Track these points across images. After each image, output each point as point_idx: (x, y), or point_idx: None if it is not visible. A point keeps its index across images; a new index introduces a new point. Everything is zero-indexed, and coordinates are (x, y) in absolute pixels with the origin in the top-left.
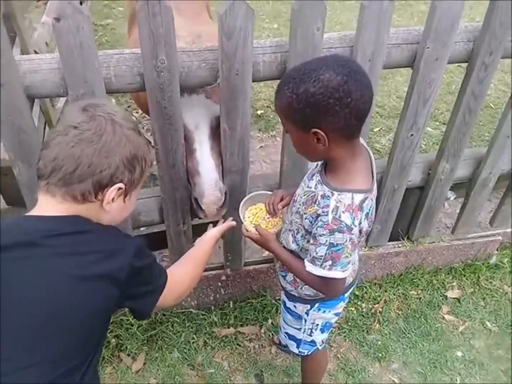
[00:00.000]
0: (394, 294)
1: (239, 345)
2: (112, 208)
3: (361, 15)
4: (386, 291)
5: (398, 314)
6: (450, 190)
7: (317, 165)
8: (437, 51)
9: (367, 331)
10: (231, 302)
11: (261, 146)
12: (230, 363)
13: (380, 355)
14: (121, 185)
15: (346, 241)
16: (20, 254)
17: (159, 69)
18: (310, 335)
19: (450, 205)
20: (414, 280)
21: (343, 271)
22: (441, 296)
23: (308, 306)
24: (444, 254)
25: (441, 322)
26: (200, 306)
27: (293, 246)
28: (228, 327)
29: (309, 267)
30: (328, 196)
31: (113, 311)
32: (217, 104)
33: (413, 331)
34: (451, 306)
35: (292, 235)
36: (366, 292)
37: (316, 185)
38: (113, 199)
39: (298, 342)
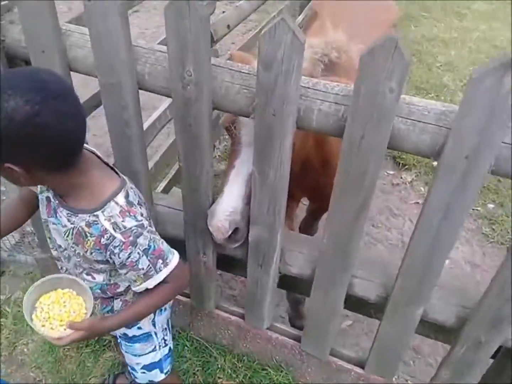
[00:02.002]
0: None
1: None
2: None
3: (467, 92)
4: None
5: None
6: None
7: (47, 198)
8: None
9: None
10: (246, 358)
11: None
12: None
13: None
14: None
15: (149, 236)
16: None
17: (185, 81)
18: (166, 344)
19: None
20: None
21: (173, 253)
22: None
23: (152, 315)
24: None
25: None
26: (216, 342)
27: (100, 279)
28: (234, 382)
29: (151, 282)
30: (95, 221)
31: None
32: None
33: None
34: None
35: (87, 273)
36: None
37: (68, 219)
38: None
39: (160, 364)
